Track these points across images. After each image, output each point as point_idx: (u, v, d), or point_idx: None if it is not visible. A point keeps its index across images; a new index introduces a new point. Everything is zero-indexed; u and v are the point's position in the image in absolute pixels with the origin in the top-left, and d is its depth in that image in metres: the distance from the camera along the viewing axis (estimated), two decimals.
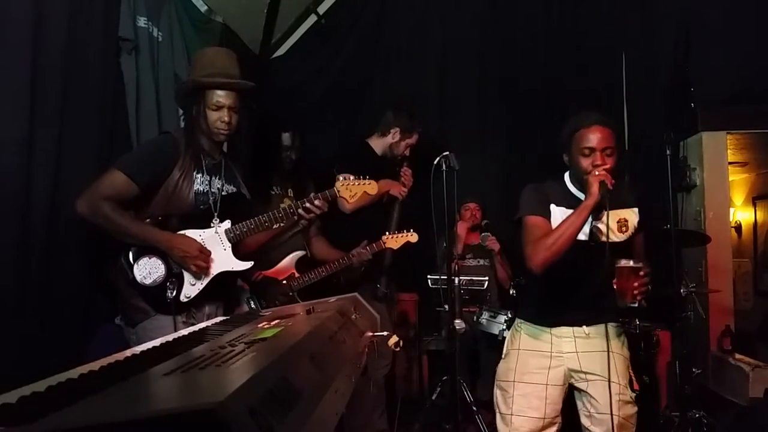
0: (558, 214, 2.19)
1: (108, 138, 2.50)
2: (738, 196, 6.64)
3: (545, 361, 2.24)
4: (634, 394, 2.22)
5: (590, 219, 2.14)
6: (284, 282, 2.89)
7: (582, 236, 2.14)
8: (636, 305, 2.05)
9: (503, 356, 2.40)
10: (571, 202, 2.19)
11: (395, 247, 3.03)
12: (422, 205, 2.83)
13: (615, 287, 2.05)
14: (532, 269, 2.11)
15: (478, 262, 4.04)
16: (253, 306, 2.76)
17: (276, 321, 1.31)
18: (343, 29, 4.47)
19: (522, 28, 4.45)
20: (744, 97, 4.17)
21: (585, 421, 2.26)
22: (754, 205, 6.54)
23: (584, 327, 2.23)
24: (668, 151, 2.90)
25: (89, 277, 2.36)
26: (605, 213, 2.08)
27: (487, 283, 3.60)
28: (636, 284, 2.01)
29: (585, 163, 2.11)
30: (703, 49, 4.19)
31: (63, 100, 2.21)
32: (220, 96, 2.18)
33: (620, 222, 2.22)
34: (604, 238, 2.11)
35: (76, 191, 2.08)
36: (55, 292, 2.17)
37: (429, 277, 3.50)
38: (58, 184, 2.16)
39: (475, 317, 3.53)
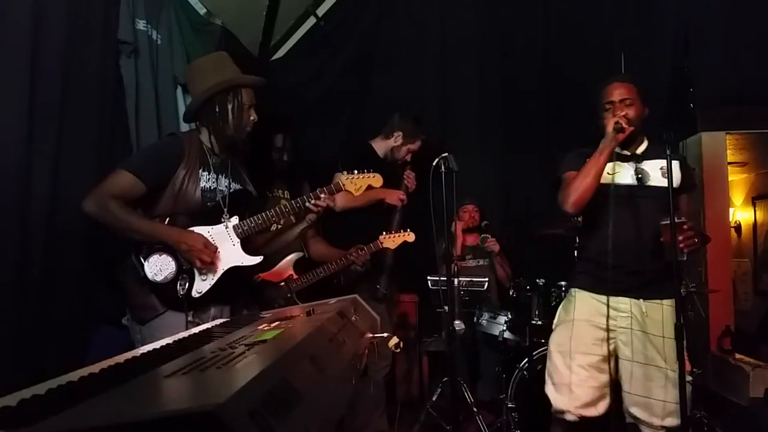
0: None
1: (107, 140, 2.50)
2: (737, 196, 6.65)
3: (601, 333, 2.30)
4: (688, 376, 2.15)
5: (634, 166, 2.32)
6: (282, 284, 2.89)
7: (629, 180, 2.31)
8: (684, 258, 2.18)
9: (554, 327, 2.49)
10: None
11: (392, 247, 3.03)
12: (422, 206, 2.82)
13: (662, 242, 2.19)
14: (566, 211, 2.28)
15: (478, 262, 4.03)
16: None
17: (276, 323, 1.31)
18: (342, 31, 4.46)
19: (522, 28, 4.44)
20: (743, 97, 4.16)
21: (630, 407, 2.28)
22: (754, 205, 6.55)
23: (641, 301, 2.29)
24: (668, 151, 2.89)
25: (90, 277, 2.36)
26: (645, 161, 2.31)
27: (487, 284, 3.59)
28: (681, 238, 2.14)
29: (608, 116, 2.31)
30: (703, 49, 4.18)
31: (62, 102, 2.21)
32: (251, 94, 2.26)
33: (662, 169, 2.34)
34: (649, 182, 2.30)
35: (75, 193, 2.08)
36: (55, 294, 2.17)
37: (429, 278, 3.49)
38: (57, 186, 2.16)
39: (475, 318, 3.53)
